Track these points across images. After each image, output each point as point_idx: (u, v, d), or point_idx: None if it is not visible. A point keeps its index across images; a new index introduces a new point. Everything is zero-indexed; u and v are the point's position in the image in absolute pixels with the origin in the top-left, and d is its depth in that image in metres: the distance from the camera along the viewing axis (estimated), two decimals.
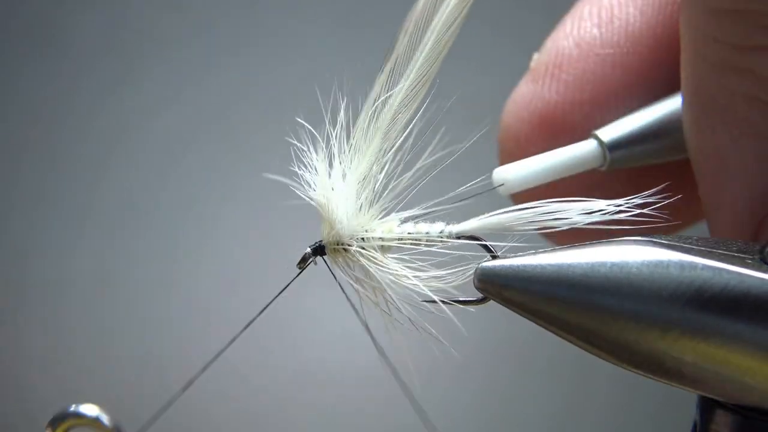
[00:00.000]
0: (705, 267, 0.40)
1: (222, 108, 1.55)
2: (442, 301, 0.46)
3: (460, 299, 0.46)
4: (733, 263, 0.40)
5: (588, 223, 0.45)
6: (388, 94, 0.47)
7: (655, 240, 0.41)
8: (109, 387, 1.41)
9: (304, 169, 0.48)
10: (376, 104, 0.47)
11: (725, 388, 0.41)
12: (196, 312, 1.47)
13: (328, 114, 0.47)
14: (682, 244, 0.41)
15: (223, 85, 1.56)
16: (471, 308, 0.46)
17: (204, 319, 1.46)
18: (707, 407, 0.43)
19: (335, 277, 0.48)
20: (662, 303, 0.40)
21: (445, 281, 0.46)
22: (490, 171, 0.49)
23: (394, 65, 0.47)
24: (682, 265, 0.40)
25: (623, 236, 0.42)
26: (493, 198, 0.49)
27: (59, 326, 1.46)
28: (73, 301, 1.48)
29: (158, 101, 1.57)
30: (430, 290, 0.46)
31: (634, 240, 0.42)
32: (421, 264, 0.47)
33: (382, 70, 0.47)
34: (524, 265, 0.42)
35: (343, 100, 0.47)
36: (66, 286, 1.48)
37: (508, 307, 0.43)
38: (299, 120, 0.47)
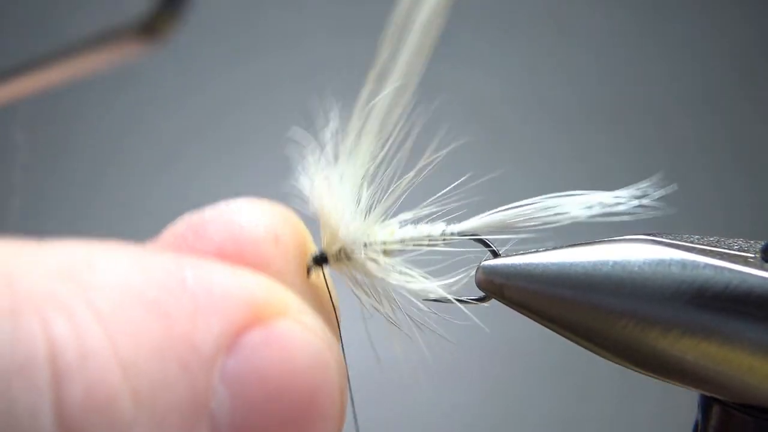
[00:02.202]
0: (707, 266, 0.40)
1: (217, 117, 1.54)
2: (441, 300, 0.46)
3: (462, 298, 0.46)
4: (735, 262, 0.40)
5: (589, 217, 0.44)
6: (376, 99, 0.46)
7: (657, 238, 0.41)
8: None
9: (300, 178, 0.47)
10: (365, 107, 0.45)
11: (727, 387, 0.40)
12: None
13: (324, 120, 0.46)
14: (684, 243, 0.41)
15: (216, 93, 1.55)
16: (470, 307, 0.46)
17: None
18: (709, 406, 0.43)
19: (354, 293, 0.47)
20: (664, 302, 0.39)
21: (449, 283, 0.46)
22: (484, 169, 0.48)
23: (382, 66, 0.45)
24: (684, 264, 0.40)
25: (625, 234, 0.42)
26: (491, 196, 0.48)
27: None
28: None
29: (152, 105, 1.57)
30: (430, 291, 0.45)
31: (636, 238, 0.42)
32: (422, 267, 0.47)
33: (371, 72, 0.46)
34: (526, 264, 0.42)
35: (336, 104, 0.46)
36: None
37: (509, 306, 0.43)
38: (294, 129, 0.46)
